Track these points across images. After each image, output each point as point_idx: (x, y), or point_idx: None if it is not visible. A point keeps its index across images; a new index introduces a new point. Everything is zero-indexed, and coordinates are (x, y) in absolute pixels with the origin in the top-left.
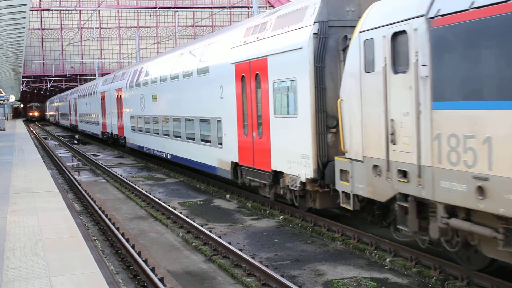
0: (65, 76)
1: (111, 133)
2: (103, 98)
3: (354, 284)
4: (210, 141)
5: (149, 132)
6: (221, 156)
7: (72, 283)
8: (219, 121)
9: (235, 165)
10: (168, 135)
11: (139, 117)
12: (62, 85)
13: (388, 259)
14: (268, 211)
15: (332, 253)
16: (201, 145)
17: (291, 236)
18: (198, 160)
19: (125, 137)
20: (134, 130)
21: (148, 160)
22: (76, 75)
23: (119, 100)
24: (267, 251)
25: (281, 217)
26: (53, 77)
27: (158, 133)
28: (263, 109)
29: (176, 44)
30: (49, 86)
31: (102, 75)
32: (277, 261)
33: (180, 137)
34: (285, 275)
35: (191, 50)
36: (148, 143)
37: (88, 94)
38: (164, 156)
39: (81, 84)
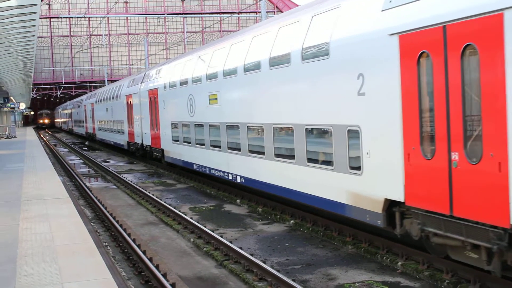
0: (74, 83)
1: (141, 144)
2: (129, 102)
3: None
4: (329, 163)
5: (202, 145)
6: (359, 187)
7: None
8: (353, 131)
9: (389, 204)
10: (239, 149)
11: (186, 124)
12: (72, 92)
13: (399, 263)
14: (278, 216)
15: (343, 257)
16: (309, 167)
17: (302, 240)
18: (302, 190)
19: (162, 149)
20: (178, 141)
21: (158, 166)
22: (85, 82)
23: (153, 103)
24: (278, 256)
25: (292, 221)
26: (63, 84)
27: (219, 146)
28: (484, 110)
29: (185, 50)
30: (58, 93)
31: (112, 81)
32: (288, 266)
33: (262, 153)
34: (296, 279)
35: (281, 26)
36: (200, 159)
37: (109, 98)
38: (231, 178)
39: (90, 91)
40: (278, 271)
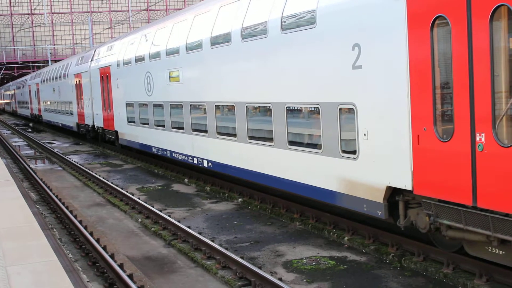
0: (16, 63)
1: (92, 125)
2: (78, 82)
3: (314, 263)
4: (316, 145)
5: (162, 126)
6: (354, 173)
7: (30, 272)
8: (346, 110)
9: (391, 193)
10: (206, 131)
11: (144, 104)
12: (14, 72)
13: (346, 238)
14: (227, 194)
15: (291, 234)
16: (290, 151)
17: (250, 218)
18: (282, 176)
19: (116, 131)
20: (133, 122)
21: (105, 146)
22: (28, 62)
23: (105, 82)
24: (226, 234)
25: (240, 199)
26: (4, 64)
27: (182, 128)
28: None
29: (130, 28)
30: (0, 74)
31: (55, 61)
32: (236, 244)
33: (233, 135)
34: (245, 257)
35: None
36: (160, 142)
37: (56, 78)
38: (196, 162)
39: (33, 71)
40: (226, 249)
